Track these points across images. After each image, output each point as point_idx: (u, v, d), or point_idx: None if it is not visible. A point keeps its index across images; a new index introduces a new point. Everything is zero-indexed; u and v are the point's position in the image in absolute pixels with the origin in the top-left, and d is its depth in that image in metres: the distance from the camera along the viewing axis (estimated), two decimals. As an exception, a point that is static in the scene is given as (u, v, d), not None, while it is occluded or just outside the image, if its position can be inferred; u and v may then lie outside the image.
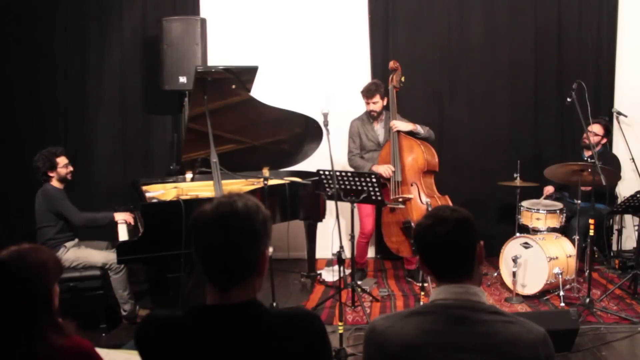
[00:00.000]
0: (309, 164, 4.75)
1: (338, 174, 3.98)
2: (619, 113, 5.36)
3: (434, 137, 4.74)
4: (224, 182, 3.88)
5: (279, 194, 4.27)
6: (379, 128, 4.75)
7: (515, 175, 4.62)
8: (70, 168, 4.00)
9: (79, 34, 5.38)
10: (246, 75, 3.95)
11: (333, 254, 4.06)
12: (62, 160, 3.95)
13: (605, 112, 5.32)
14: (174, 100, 5.27)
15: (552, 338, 1.45)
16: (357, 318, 4.01)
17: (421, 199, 4.50)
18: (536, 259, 4.21)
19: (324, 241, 4.91)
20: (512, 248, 4.38)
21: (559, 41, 5.43)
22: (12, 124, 5.39)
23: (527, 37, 5.43)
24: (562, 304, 4.07)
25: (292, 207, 4.36)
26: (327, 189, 4.07)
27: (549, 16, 5.41)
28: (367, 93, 4.63)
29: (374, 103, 4.62)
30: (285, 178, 4.57)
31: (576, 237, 4.24)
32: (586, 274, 4.18)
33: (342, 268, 3.57)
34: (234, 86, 3.96)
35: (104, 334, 3.82)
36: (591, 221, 4.01)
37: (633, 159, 5.19)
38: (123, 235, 3.86)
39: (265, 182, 3.94)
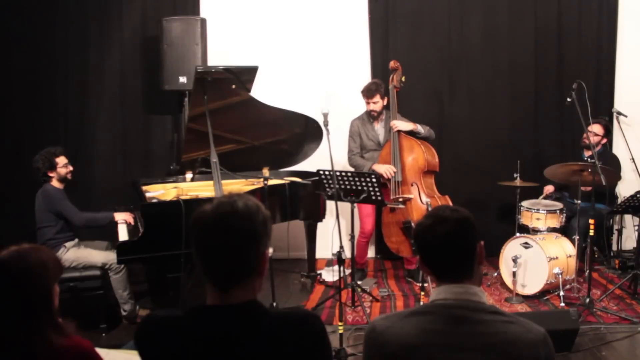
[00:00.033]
0: (309, 164, 4.75)
1: (338, 174, 3.97)
2: (619, 113, 5.36)
3: (434, 136, 4.74)
4: (224, 182, 3.88)
5: (279, 194, 4.27)
6: (379, 128, 4.75)
7: (515, 175, 4.62)
8: (70, 168, 4.01)
9: (79, 34, 5.38)
10: (246, 75, 3.95)
11: (333, 254, 4.06)
12: (61, 160, 3.95)
13: (605, 112, 5.33)
14: (174, 100, 5.27)
15: (552, 338, 1.45)
16: (357, 318, 4.01)
17: (421, 199, 4.50)
18: (536, 259, 4.21)
19: (324, 241, 4.91)
20: (512, 248, 4.38)
21: (559, 41, 5.43)
22: (12, 124, 5.39)
23: (527, 37, 5.42)
24: (562, 304, 4.07)
25: (292, 207, 4.36)
26: (327, 189, 4.07)
27: (549, 16, 5.41)
28: (367, 93, 4.63)
29: (374, 103, 4.62)
30: (285, 178, 4.57)
31: (576, 237, 4.24)
32: (586, 274, 4.18)
33: (342, 268, 3.56)
34: (234, 86, 3.96)
35: (104, 334, 3.82)
36: (591, 221, 4.01)
37: (633, 159, 5.19)
38: (123, 235, 3.87)
39: (265, 182, 3.94)
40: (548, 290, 4.31)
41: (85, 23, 5.37)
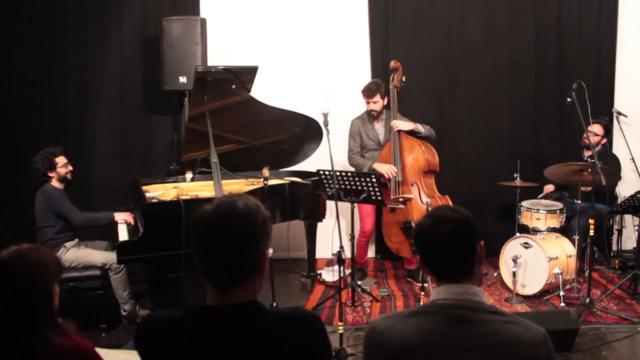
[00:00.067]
0: (309, 164, 4.75)
1: (338, 174, 3.97)
2: (619, 113, 5.36)
3: (434, 135, 4.75)
4: (224, 182, 3.88)
5: (279, 194, 4.27)
6: (379, 127, 4.76)
7: (515, 175, 4.62)
8: (70, 167, 4.01)
9: (79, 34, 5.38)
10: (246, 75, 3.95)
11: (333, 254, 4.06)
12: (61, 160, 3.95)
13: (605, 112, 5.32)
14: (174, 100, 5.27)
15: (552, 338, 1.45)
16: (357, 318, 4.01)
17: (421, 199, 4.50)
18: (536, 259, 4.21)
19: (324, 241, 4.91)
20: (512, 248, 4.38)
21: (559, 41, 5.43)
22: (12, 124, 5.39)
23: (527, 37, 5.42)
24: (562, 304, 4.07)
25: (292, 207, 4.36)
26: (327, 189, 4.07)
27: (549, 16, 5.41)
28: (368, 92, 4.63)
29: (374, 102, 4.63)
30: (285, 178, 4.57)
31: (576, 237, 4.24)
32: (586, 274, 4.18)
33: (342, 268, 3.56)
34: (234, 86, 3.96)
35: (104, 334, 3.82)
36: (591, 221, 4.01)
37: (633, 159, 5.19)
38: (123, 235, 3.86)
39: (265, 182, 3.94)
40: (548, 290, 4.31)
41: (85, 23, 5.37)
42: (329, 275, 4.81)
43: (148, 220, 3.52)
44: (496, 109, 5.47)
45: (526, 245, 4.30)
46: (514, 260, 4.22)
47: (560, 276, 4.14)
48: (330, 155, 3.86)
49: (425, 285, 4.01)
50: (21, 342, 1.53)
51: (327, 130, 3.90)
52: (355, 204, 4.11)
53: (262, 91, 4.40)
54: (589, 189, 4.38)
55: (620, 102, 5.44)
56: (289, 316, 1.39)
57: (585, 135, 4.61)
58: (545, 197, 4.92)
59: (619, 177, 4.68)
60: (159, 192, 4.28)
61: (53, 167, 3.91)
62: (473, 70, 5.45)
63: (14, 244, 1.64)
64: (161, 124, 5.51)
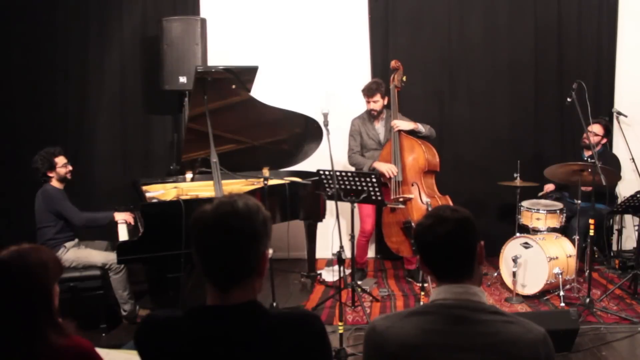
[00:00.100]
0: (309, 164, 4.75)
1: (338, 174, 3.97)
2: (619, 113, 5.36)
3: (435, 135, 4.74)
4: (224, 182, 3.88)
5: (279, 194, 4.27)
6: (379, 127, 4.76)
7: (515, 175, 4.62)
8: (70, 167, 4.01)
9: (79, 34, 5.38)
10: (246, 75, 3.95)
11: (333, 254, 4.06)
12: (60, 160, 3.95)
13: (605, 112, 5.33)
14: (174, 100, 5.27)
15: (552, 338, 1.45)
16: (357, 318, 4.01)
17: (422, 199, 4.50)
18: (536, 259, 4.21)
19: (324, 241, 4.91)
20: (512, 248, 4.38)
21: (559, 41, 5.43)
22: (12, 124, 5.39)
23: (527, 37, 5.42)
24: (562, 304, 4.07)
25: (292, 207, 4.36)
26: (327, 189, 4.07)
27: (549, 16, 5.41)
28: (368, 92, 4.63)
29: (374, 102, 4.63)
30: (285, 178, 4.57)
31: (576, 237, 4.24)
32: (586, 274, 4.18)
33: (342, 268, 3.56)
34: (234, 86, 3.96)
35: (104, 334, 3.82)
36: (591, 221, 4.01)
37: (633, 159, 5.19)
38: (123, 235, 3.87)
39: (265, 182, 3.94)
40: (548, 290, 4.31)
41: (85, 23, 5.37)
42: (329, 275, 4.81)
43: (148, 220, 3.52)
44: (496, 109, 5.47)
45: (526, 245, 4.30)
46: (514, 260, 4.22)
47: (560, 276, 4.14)
48: (330, 155, 3.86)
49: (425, 285, 4.01)
50: (21, 342, 1.53)
51: (327, 130, 3.90)
52: (355, 204, 4.11)
53: (262, 91, 4.39)
54: (589, 189, 4.38)
55: (620, 102, 5.44)
56: (289, 316, 1.39)
57: (585, 135, 4.61)
58: (545, 197, 4.92)
59: (619, 177, 4.68)
60: (159, 192, 4.28)
61: (53, 167, 3.91)
62: (473, 70, 5.45)
63: (14, 244, 1.64)
64: (161, 124, 5.51)
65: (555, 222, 4.47)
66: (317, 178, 4.19)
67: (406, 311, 1.52)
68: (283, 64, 5.42)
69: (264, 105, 4.20)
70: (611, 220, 5.25)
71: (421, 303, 3.94)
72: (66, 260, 3.79)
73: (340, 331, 3.31)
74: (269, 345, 1.30)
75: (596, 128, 4.87)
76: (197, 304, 1.36)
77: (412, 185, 4.56)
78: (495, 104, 5.47)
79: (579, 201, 4.14)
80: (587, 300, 3.94)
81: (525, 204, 4.61)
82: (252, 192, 3.96)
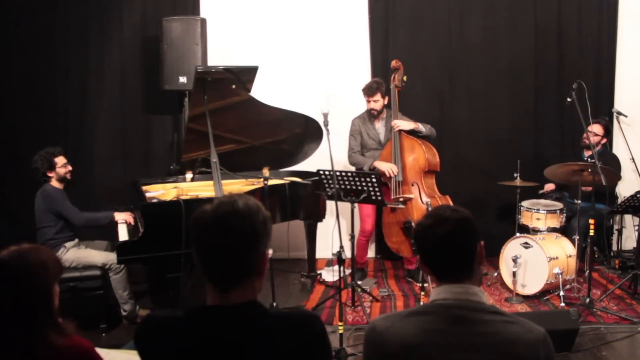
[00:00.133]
0: (309, 164, 4.75)
1: (338, 174, 3.98)
2: (619, 113, 5.36)
3: (435, 134, 4.74)
4: (224, 182, 3.88)
5: (279, 194, 4.27)
6: (379, 126, 4.76)
7: (515, 175, 4.62)
8: (69, 167, 4.00)
9: (79, 34, 5.38)
10: (246, 75, 3.95)
11: (333, 254, 4.06)
12: (60, 160, 3.95)
13: (605, 112, 5.33)
14: (174, 100, 5.27)
15: (552, 338, 1.45)
16: (357, 318, 4.01)
17: (422, 199, 4.50)
18: (536, 259, 4.21)
19: (324, 241, 4.91)
20: (512, 248, 4.38)
21: (559, 41, 5.43)
22: (12, 124, 5.40)
23: (527, 37, 5.42)
24: (562, 304, 4.07)
25: (292, 207, 4.36)
26: (327, 189, 4.07)
27: (549, 16, 5.41)
28: (369, 91, 4.64)
29: (374, 101, 4.63)
30: (285, 178, 4.57)
31: (576, 237, 4.24)
32: (586, 274, 4.18)
33: (342, 268, 3.56)
34: (234, 86, 3.95)
35: (104, 334, 3.82)
36: (591, 221, 4.01)
37: (633, 159, 5.19)
38: (123, 235, 3.87)
39: (265, 182, 3.94)
40: (548, 290, 4.31)
41: (85, 23, 5.38)
42: (329, 275, 4.81)
43: (148, 220, 3.52)
44: (496, 109, 5.47)
45: (526, 245, 4.29)
46: (514, 260, 4.22)
47: (560, 276, 4.14)
48: (330, 155, 3.86)
49: (425, 285, 4.01)
50: (21, 342, 1.53)
51: (327, 130, 3.90)
52: (356, 204, 4.11)
53: (262, 91, 4.40)
54: (589, 189, 4.38)
55: (620, 102, 5.44)
56: (289, 316, 1.39)
57: (585, 135, 4.61)
58: (545, 197, 4.92)
59: (619, 177, 4.68)
60: (159, 192, 4.28)
61: (52, 167, 3.90)
62: (473, 70, 5.45)
63: (14, 244, 1.64)
64: (161, 124, 5.52)
65: (555, 222, 4.47)
66: (317, 178, 4.19)
67: (406, 311, 1.52)
68: (283, 64, 5.42)
69: (264, 105, 4.20)
70: (611, 220, 5.24)
71: (421, 303, 3.94)
72: (66, 260, 3.79)
73: (340, 331, 3.31)
74: (269, 345, 1.30)
75: (596, 128, 4.87)
76: (197, 304, 1.36)
77: (413, 185, 4.56)
78: (495, 104, 5.47)
79: (579, 201, 4.14)
80: (587, 300, 3.94)
81: (525, 204, 4.61)
82: (252, 192, 3.96)
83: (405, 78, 4.67)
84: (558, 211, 4.48)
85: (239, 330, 1.31)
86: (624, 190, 5.16)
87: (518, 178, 4.61)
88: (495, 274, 4.65)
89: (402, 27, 5.44)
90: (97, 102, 5.44)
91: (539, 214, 4.48)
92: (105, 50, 5.42)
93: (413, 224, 4.35)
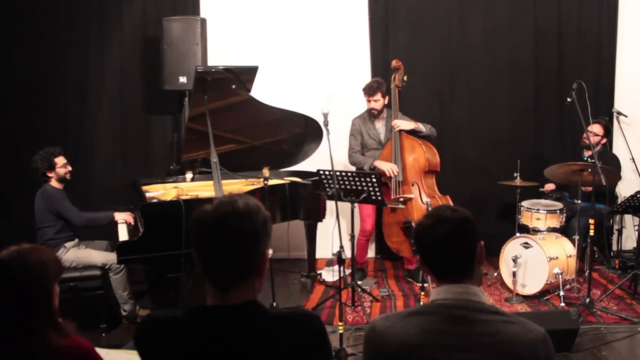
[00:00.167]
0: (309, 164, 4.75)
1: (338, 174, 3.98)
2: (619, 113, 5.37)
3: (435, 134, 4.74)
4: (224, 182, 3.88)
5: (279, 194, 4.27)
6: (380, 126, 4.76)
7: (515, 174, 4.62)
8: (69, 168, 4.00)
9: (79, 34, 5.38)
10: (246, 75, 3.95)
11: (333, 254, 4.06)
12: (60, 160, 3.95)
13: (605, 112, 5.33)
14: (174, 100, 5.26)
15: (552, 338, 1.45)
16: (357, 318, 4.01)
17: (422, 199, 4.50)
18: (536, 259, 4.21)
19: (324, 241, 4.91)
20: (512, 248, 4.38)
21: (559, 41, 5.43)
22: (12, 124, 5.39)
23: (527, 37, 5.43)
24: (562, 304, 4.07)
25: (292, 207, 4.36)
26: (327, 189, 4.07)
27: (549, 16, 5.41)
28: (369, 90, 4.64)
29: (375, 101, 4.63)
30: (285, 178, 4.57)
31: (576, 237, 4.24)
32: (586, 274, 4.18)
33: (342, 268, 3.56)
34: (234, 86, 3.96)
35: (104, 334, 3.82)
36: (591, 221, 4.01)
37: (633, 159, 5.19)
38: (123, 235, 3.87)
39: (265, 182, 3.94)
40: (548, 290, 4.31)
41: (85, 23, 5.37)
42: (329, 275, 4.81)
43: (148, 220, 3.52)
44: (496, 108, 5.47)
45: (526, 245, 4.29)
46: (514, 260, 4.22)
47: (560, 276, 4.14)
48: (330, 155, 3.86)
49: (425, 285, 4.01)
50: (21, 342, 1.53)
51: (327, 130, 3.90)
52: (356, 204, 4.11)
53: (262, 91, 4.40)
54: (589, 189, 4.38)
55: (620, 102, 5.44)
56: (289, 316, 1.39)
57: (585, 135, 4.61)
58: (545, 196, 4.92)
59: (619, 177, 4.68)
60: (159, 192, 4.28)
61: (52, 167, 3.90)
62: (473, 70, 5.45)
63: (14, 244, 1.64)
64: (161, 124, 5.52)
65: (555, 222, 4.47)
66: (317, 178, 4.19)
67: (406, 311, 1.52)
68: (283, 64, 5.42)
69: (264, 105, 4.20)
70: (611, 220, 5.25)
71: (421, 303, 3.94)
72: (66, 260, 3.79)
73: (340, 331, 3.31)
74: (269, 345, 1.30)
75: (596, 128, 4.87)
76: (197, 304, 1.36)
77: (413, 185, 4.56)
78: (495, 104, 5.47)
79: (579, 201, 4.14)
80: (587, 300, 3.94)
81: (525, 204, 4.61)
82: (252, 192, 3.96)
83: (405, 78, 4.67)
84: (558, 211, 4.48)
85: (239, 330, 1.30)
86: (624, 190, 5.16)
87: (518, 178, 4.61)
88: (495, 274, 4.65)
89: (402, 27, 5.44)
90: (97, 102, 5.44)
91: (539, 214, 4.48)
92: (105, 50, 5.42)
93: (413, 224, 4.35)
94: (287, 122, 4.46)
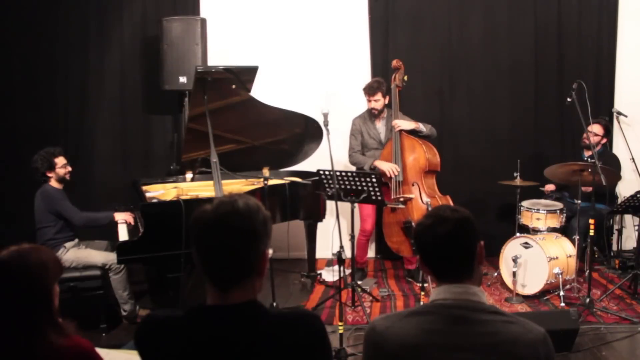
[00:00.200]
0: (309, 164, 4.75)
1: (338, 174, 3.98)
2: (619, 113, 5.37)
3: (436, 134, 4.74)
4: (224, 182, 3.88)
5: (279, 194, 4.27)
6: (380, 126, 4.76)
7: (515, 174, 4.62)
8: (69, 168, 4.00)
9: (79, 34, 5.38)
10: (246, 75, 3.95)
11: (333, 254, 4.06)
12: (60, 161, 3.95)
13: (605, 112, 5.33)
14: (174, 100, 5.27)
15: (552, 338, 1.45)
16: (357, 318, 4.01)
17: (422, 199, 4.50)
18: (536, 259, 4.21)
19: (324, 241, 4.91)
20: (512, 248, 4.38)
21: (559, 41, 5.43)
22: (12, 123, 5.40)
23: (527, 37, 5.43)
24: (562, 304, 4.07)
25: (292, 207, 4.36)
26: (327, 189, 4.07)
27: (549, 16, 5.42)
28: (369, 90, 4.64)
29: (375, 101, 4.63)
30: (285, 178, 4.57)
31: (576, 237, 4.24)
32: (586, 274, 4.18)
33: (342, 268, 3.56)
34: (234, 86, 3.96)
35: (104, 334, 3.82)
36: (591, 221, 4.01)
37: (633, 159, 5.19)
38: (123, 235, 3.87)
39: (265, 182, 3.94)
40: (548, 290, 4.31)
41: (85, 23, 5.38)
42: (329, 275, 4.81)
43: (148, 220, 3.52)
44: (496, 108, 5.48)
45: (526, 245, 4.29)
46: (514, 260, 4.22)
47: (560, 276, 4.14)
48: (330, 155, 3.86)
49: (425, 285, 4.01)
50: (21, 342, 1.53)
51: (327, 130, 3.90)
52: (356, 204, 4.11)
53: (262, 91, 4.40)
54: (589, 189, 4.38)
55: (620, 102, 5.44)
56: (289, 316, 1.39)
57: (585, 135, 4.61)
58: (545, 196, 4.92)
59: (619, 177, 4.67)
60: (159, 192, 4.28)
61: (52, 167, 3.90)
62: (473, 70, 5.46)
63: (14, 244, 1.64)
64: (161, 124, 5.52)
65: (555, 222, 4.47)
66: (317, 178, 4.19)
67: (406, 311, 1.51)
68: (283, 64, 5.42)
69: (264, 105, 4.20)
70: (611, 220, 5.24)
71: (421, 303, 3.94)
72: (66, 260, 3.79)
73: (340, 331, 3.31)
74: (269, 345, 1.30)
75: (596, 128, 4.87)
76: (197, 304, 1.36)
77: (413, 185, 4.56)
78: (495, 104, 5.47)
79: (579, 201, 4.14)
80: (587, 300, 3.94)
81: (525, 204, 4.61)
82: (252, 192, 3.96)
83: (406, 78, 4.67)
84: (558, 211, 4.48)
85: (239, 330, 1.30)
86: (624, 190, 5.16)
87: (518, 178, 4.61)
88: (495, 274, 4.65)
89: (402, 27, 5.44)
90: (97, 102, 5.44)
91: (539, 214, 4.48)
92: (105, 50, 5.42)
93: (413, 224, 4.35)
94: (287, 122, 4.46)
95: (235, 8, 5.47)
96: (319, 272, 4.91)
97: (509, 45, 5.43)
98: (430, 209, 3.92)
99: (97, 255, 3.91)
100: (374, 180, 3.91)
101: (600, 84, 5.42)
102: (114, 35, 5.42)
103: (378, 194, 3.95)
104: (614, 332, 3.67)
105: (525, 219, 4.55)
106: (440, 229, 1.48)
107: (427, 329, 1.44)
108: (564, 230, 4.63)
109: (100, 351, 1.68)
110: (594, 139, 4.66)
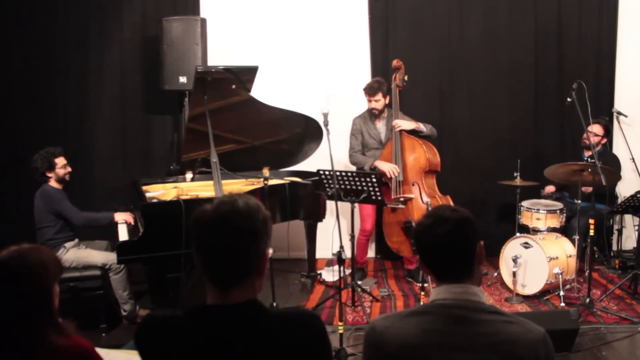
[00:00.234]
0: (309, 164, 4.75)
1: (338, 173, 3.98)
2: (619, 113, 5.37)
3: (436, 134, 4.74)
4: (224, 182, 3.88)
5: (279, 194, 4.27)
6: (380, 126, 4.76)
7: (515, 174, 4.62)
8: (69, 169, 4.00)
9: (79, 34, 5.38)
10: (246, 75, 3.95)
11: (333, 254, 4.06)
12: (60, 161, 3.94)
13: (605, 112, 5.33)
14: (174, 100, 5.27)
15: (552, 338, 1.45)
16: (357, 318, 4.01)
17: (422, 199, 4.50)
18: (536, 259, 4.21)
19: (324, 241, 4.91)
20: (512, 248, 4.38)
21: (559, 41, 5.43)
22: (12, 123, 5.40)
23: (527, 37, 5.42)
24: (562, 304, 4.07)
25: (292, 207, 4.36)
26: (327, 189, 4.07)
27: (549, 16, 5.42)
28: (370, 90, 4.64)
29: (375, 101, 4.63)
30: (285, 178, 4.57)
31: (576, 237, 4.24)
32: (586, 274, 4.18)
33: (342, 268, 3.56)
34: (234, 86, 3.96)
35: (104, 334, 3.82)
36: (591, 221, 4.01)
37: (633, 159, 5.19)
38: (123, 235, 3.87)
39: (265, 182, 3.94)
40: (548, 290, 4.31)
41: (85, 23, 5.38)
42: (329, 275, 4.81)
43: (148, 220, 3.51)
44: (496, 108, 5.48)
45: (526, 245, 4.29)
46: (514, 260, 4.22)
47: (560, 276, 4.14)
48: (330, 155, 3.86)
49: (425, 285, 4.01)
50: (21, 342, 1.53)
51: (327, 130, 3.90)
52: (356, 204, 4.11)
53: (262, 91, 4.40)
54: (590, 189, 4.38)
55: (620, 102, 5.44)
56: (289, 316, 1.39)
57: (585, 135, 4.61)
58: (545, 196, 4.92)
59: (619, 177, 4.67)
60: (159, 192, 4.28)
61: (52, 167, 3.90)
62: (473, 70, 5.45)
63: (14, 244, 1.64)
64: (161, 124, 5.52)
65: (555, 222, 4.47)
66: (317, 178, 4.19)
67: (406, 311, 1.52)
68: (283, 64, 5.42)
69: (264, 105, 4.20)
70: (611, 220, 5.24)
71: (421, 303, 3.94)
72: (66, 260, 3.79)
73: (340, 331, 3.31)
74: (269, 345, 1.30)
75: (596, 128, 4.87)
76: (197, 304, 1.36)
77: (413, 185, 4.56)
78: (495, 104, 5.47)
79: (579, 201, 4.14)
80: (587, 300, 3.94)
81: (525, 203, 4.61)
82: (252, 192, 3.96)
83: (406, 77, 4.67)
84: (558, 211, 4.48)
85: (239, 330, 1.30)
86: (624, 190, 5.16)
87: (518, 178, 4.61)
88: (495, 274, 4.65)
89: (402, 27, 5.44)
90: (97, 102, 5.44)
91: (539, 213, 4.48)
92: (105, 50, 5.42)
93: (413, 223, 4.35)
94: (287, 122, 4.46)
95: (235, 8, 5.47)
96: (319, 272, 4.91)
97: (509, 46, 5.43)
98: (430, 209, 3.92)
99: (97, 255, 3.91)
100: (374, 180, 3.91)
101: (600, 84, 5.42)
102: (114, 35, 5.42)
103: (378, 194, 3.95)
104: (614, 332, 3.67)
105: (525, 219, 4.55)
106: (440, 229, 1.48)
107: (427, 329, 1.44)
108: (564, 230, 4.63)
109: (100, 351, 1.68)
110: (594, 139, 4.66)
